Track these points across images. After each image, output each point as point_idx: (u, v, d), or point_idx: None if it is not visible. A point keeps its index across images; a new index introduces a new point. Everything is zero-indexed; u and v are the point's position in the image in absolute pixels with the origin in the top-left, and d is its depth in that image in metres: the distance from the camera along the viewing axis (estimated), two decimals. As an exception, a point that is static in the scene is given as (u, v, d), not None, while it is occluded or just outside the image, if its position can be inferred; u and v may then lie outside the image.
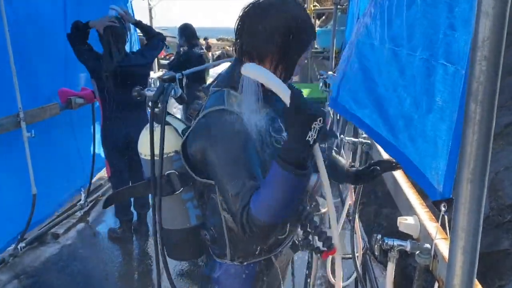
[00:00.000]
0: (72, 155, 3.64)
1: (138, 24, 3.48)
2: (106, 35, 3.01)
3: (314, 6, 9.21)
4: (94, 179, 4.14)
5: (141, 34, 6.10)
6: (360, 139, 2.11)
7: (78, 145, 3.73)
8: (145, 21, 5.69)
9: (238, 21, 1.18)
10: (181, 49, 4.87)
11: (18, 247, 3.04)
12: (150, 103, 1.30)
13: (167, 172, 1.27)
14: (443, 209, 1.11)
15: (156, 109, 1.30)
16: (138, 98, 1.47)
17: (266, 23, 1.13)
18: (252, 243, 1.27)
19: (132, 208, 3.52)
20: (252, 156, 1.10)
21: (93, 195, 4.15)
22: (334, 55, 5.81)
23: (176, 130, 1.32)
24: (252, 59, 1.17)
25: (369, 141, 2.10)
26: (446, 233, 1.13)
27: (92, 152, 3.78)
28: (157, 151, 1.25)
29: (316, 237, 1.19)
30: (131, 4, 4.68)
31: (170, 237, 1.36)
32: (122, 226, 3.50)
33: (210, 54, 17.63)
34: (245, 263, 1.31)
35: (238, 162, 1.07)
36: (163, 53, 10.91)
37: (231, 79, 1.20)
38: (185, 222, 1.34)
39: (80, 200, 3.91)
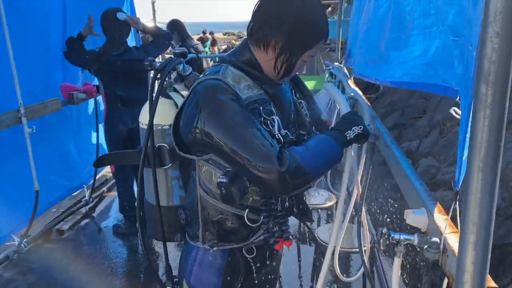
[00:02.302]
0: (74, 151, 3.61)
1: (146, 29, 3.41)
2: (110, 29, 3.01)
3: (320, -3, 9.10)
4: (98, 175, 4.12)
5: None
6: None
7: (80, 140, 3.70)
8: (148, 15, 5.65)
9: (256, 3, 1.22)
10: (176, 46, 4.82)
11: (22, 244, 3.02)
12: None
13: (158, 145, 1.27)
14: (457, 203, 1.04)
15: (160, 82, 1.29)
16: (149, 68, 1.45)
17: (280, 9, 1.16)
18: (229, 224, 1.24)
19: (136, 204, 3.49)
20: (252, 116, 1.13)
21: (98, 191, 4.13)
22: (340, 46, 5.72)
23: (176, 105, 1.31)
24: (258, 42, 1.20)
25: (375, 132, 2.04)
26: (457, 226, 1.07)
27: (95, 148, 3.75)
28: (156, 121, 1.25)
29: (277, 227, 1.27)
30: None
31: (149, 212, 1.36)
32: (127, 221, 3.47)
33: (216, 48, 17.57)
34: (215, 248, 1.28)
35: (245, 122, 1.09)
36: (169, 49, 10.84)
37: (232, 57, 1.25)
38: (167, 200, 1.33)
39: (84, 196, 3.90)
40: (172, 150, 1.27)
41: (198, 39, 15.48)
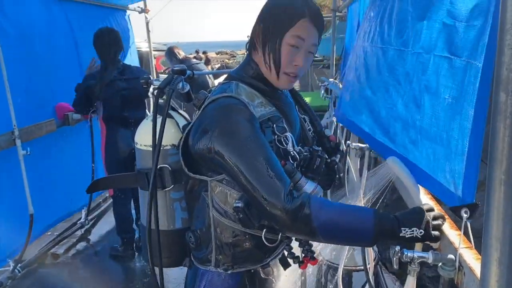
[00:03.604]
0: (71, 173, 3.55)
1: None
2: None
3: (312, 15, 9.24)
4: (94, 197, 4.05)
5: (140, 48, 6.10)
6: (368, 145, 2.02)
7: (76, 161, 3.64)
8: (143, 35, 5.67)
9: None
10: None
11: (16, 269, 2.93)
12: (155, 92, 1.26)
13: (160, 166, 1.22)
14: (464, 215, 1.01)
15: (161, 101, 1.24)
16: (145, 86, 1.42)
17: (261, 9, 1.19)
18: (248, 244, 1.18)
19: (134, 225, 3.42)
20: (265, 140, 1.09)
21: (94, 212, 4.05)
22: (334, 62, 5.76)
23: (178, 124, 1.28)
24: (249, 45, 1.22)
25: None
26: (470, 241, 1.03)
27: (91, 169, 3.69)
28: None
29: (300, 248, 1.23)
30: (129, 18, 4.64)
31: (146, 236, 1.28)
32: (124, 243, 3.40)
33: (209, 67, 17.67)
34: (229, 271, 1.22)
35: (259, 149, 1.05)
36: (162, 68, 10.88)
37: (240, 74, 1.22)
38: (169, 224, 1.27)
39: (80, 218, 3.82)
40: (174, 171, 1.23)
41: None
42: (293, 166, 1.14)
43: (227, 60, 25.35)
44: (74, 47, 3.42)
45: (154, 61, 6.06)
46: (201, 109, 1.17)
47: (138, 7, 4.96)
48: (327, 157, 1.36)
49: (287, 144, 1.16)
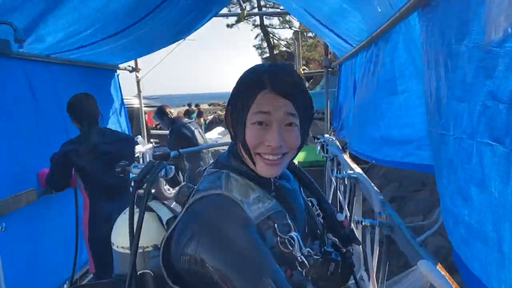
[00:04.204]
0: (53, 246, 3.28)
1: None
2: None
3: (303, 70, 9.37)
4: (78, 269, 3.74)
5: (132, 105, 6.04)
6: (379, 220, 1.82)
7: (59, 232, 3.38)
8: (134, 92, 5.60)
9: None
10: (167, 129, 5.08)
11: None
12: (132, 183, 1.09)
13: (140, 272, 1.02)
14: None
15: (140, 190, 1.07)
16: (122, 175, 1.28)
17: None
18: None
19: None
20: (266, 251, 0.88)
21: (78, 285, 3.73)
22: (329, 117, 5.70)
23: (160, 220, 1.08)
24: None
25: (389, 222, 1.82)
26: None
27: (75, 240, 3.41)
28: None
29: None
30: (118, 78, 4.55)
31: None
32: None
33: (202, 119, 17.76)
34: None
35: (259, 264, 0.85)
36: (154, 123, 10.81)
37: (229, 161, 1.04)
38: None
39: (62, 293, 3.50)
40: (158, 277, 1.03)
41: (184, 112, 15.76)
42: (303, 277, 0.95)
43: (219, 112, 25.57)
44: (59, 111, 3.25)
45: (145, 117, 5.97)
46: (186, 207, 0.97)
47: (129, 66, 4.89)
48: (342, 248, 1.17)
49: (292, 246, 0.96)
